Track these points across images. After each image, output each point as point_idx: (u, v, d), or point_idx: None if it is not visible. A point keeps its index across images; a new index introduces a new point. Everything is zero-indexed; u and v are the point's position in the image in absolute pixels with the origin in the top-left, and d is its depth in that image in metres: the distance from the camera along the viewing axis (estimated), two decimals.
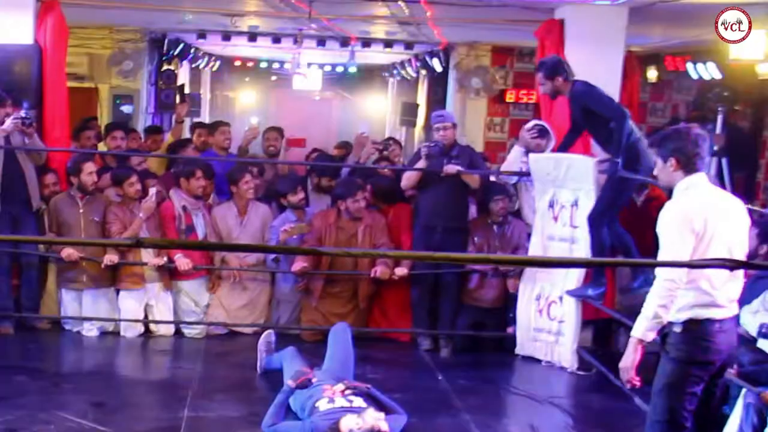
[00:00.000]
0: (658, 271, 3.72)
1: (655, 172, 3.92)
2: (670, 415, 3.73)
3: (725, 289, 3.70)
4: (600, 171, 5.82)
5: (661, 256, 3.69)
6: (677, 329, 3.70)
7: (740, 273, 3.81)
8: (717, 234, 3.65)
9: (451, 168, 6.37)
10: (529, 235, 6.51)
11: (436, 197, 6.46)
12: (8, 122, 6.07)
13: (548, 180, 6.21)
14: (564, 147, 6.24)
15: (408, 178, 6.62)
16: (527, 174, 6.45)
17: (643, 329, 3.67)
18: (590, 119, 5.85)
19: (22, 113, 6.08)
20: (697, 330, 3.68)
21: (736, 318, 3.89)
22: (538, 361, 6.38)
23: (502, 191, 6.57)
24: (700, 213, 3.64)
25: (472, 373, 6.10)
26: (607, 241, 5.87)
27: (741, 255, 3.73)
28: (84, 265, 6.44)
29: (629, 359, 3.71)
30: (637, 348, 3.69)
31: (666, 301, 3.61)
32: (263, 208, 6.87)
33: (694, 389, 3.73)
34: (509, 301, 6.55)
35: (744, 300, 4.95)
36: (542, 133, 6.52)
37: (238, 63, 15.12)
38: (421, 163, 6.47)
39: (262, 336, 5.87)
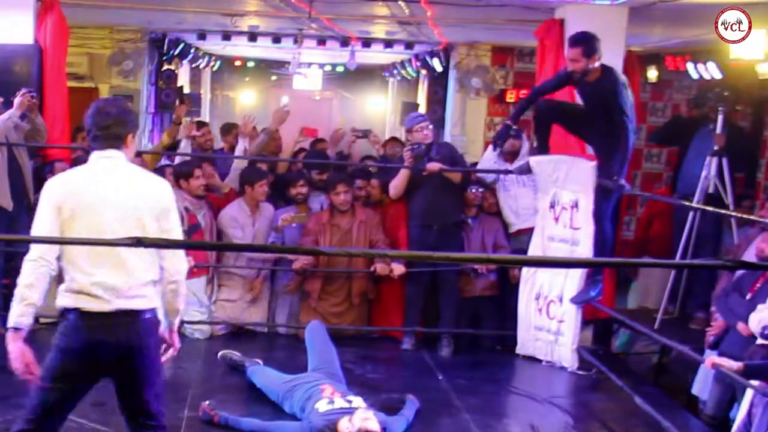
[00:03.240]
0: None
1: None
2: None
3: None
4: (604, 189, 5.84)
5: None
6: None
7: None
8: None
9: (433, 165, 6.40)
10: (506, 233, 6.66)
11: (429, 196, 6.48)
12: (18, 98, 6.06)
13: (550, 181, 6.22)
14: (519, 111, 6.22)
15: (395, 187, 6.65)
16: (504, 172, 6.59)
17: (14, 315, 3.41)
18: (598, 118, 5.78)
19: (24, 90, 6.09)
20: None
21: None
22: (539, 360, 6.38)
23: (479, 183, 6.71)
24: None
25: (472, 372, 6.09)
26: (609, 235, 5.90)
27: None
28: None
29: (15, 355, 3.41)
30: (9, 338, 3.40)
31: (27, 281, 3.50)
32: (269, 208, 6.88)
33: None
34: (506, 291, 6.58)
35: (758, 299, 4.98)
36: (516, 133, 6.55)
37: (238, 63, 15.13)
38: (407, 169, 6.50)
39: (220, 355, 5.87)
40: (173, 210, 3.56)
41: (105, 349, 3.43)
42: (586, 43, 5.68)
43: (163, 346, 3.67)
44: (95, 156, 3.52)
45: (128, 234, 3.18)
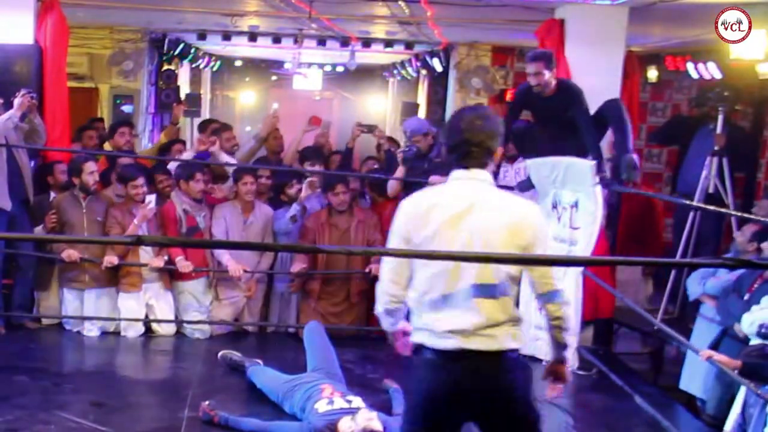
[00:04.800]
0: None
1: None
2: None
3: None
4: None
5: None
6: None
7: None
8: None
9: (435, 179, 6.43)
10: None
11: None
12: (18, 99, 6.06)
13: (548, 182, 6.21)
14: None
15: (392, 187, 6.75)
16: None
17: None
18: (554, 127, 5.96)
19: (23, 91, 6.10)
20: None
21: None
22: (539, 360, 6.36)
23: None
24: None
25: None
26: None
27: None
28: (85, 266, 6.45)
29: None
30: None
31: (381, 308, 3.19)
32: (266, 210, 6.86)
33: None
34: None
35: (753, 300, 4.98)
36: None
37: (238, 63, 15.12)
38: (401, 170, 6.54)
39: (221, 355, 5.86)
40: (539, 247, 3.11)
41: (469, 391, 3.09)
42: (547, 57, 6.05)
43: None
44: (459, 175, 3.11)
45: (500, 269, 3.00)
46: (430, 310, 3.08)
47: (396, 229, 3.15)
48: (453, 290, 3.05)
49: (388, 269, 3.17)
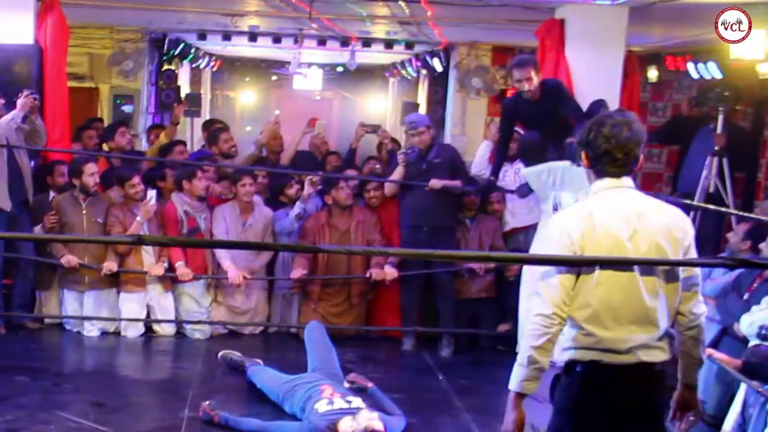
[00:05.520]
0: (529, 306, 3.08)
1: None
2: None
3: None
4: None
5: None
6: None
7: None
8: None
9: (435, 183, 6.41)
10: (502, 232, 6.78)
11: (420, 198, 6.50)
12: (21, 100, 6.06)
13: (547, 186, 6.22)
14: (499, 162, 6.49)
15: (390, 187, 6.71)
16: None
17: (517, 380, 2.95)
18: (554, 121, 5.94)
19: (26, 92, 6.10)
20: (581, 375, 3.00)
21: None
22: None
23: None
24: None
25: (472, 372, 6.10)
26: None
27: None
28: (84, 271, 6.45)
29: (509, 419, 2.97)
30: (516, 404, 2.96)
31: (541, 342, 2.93)
32: (266, 212, 6.86)
33: None
34: (504, 292, 6.57)
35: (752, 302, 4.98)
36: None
37: (238, 63, 15.11)
38: (399, 170, 6.52)
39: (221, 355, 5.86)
40: (693, 246, 3.02)
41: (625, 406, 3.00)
42: (534, 61, 6.08)
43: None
44: (611, 184, 3.00)
45: (655, 283, 2.90)
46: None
47: (563, 246, 2.95)
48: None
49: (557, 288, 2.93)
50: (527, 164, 6.51)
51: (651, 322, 2.96)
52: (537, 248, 6.31)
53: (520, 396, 2.95)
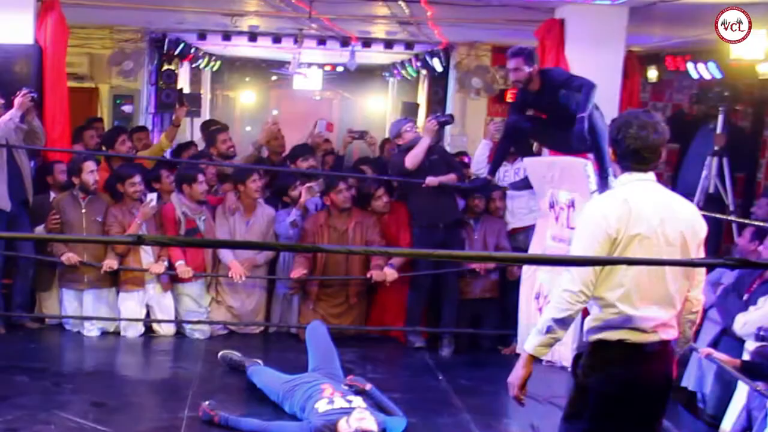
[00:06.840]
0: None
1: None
2: None
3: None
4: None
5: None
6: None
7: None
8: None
9: (432, 180, 6.43)
10: (508, 234, 6.75)
11: (431, 196, 6.49)
12: (18, 99, 6.06)
13: (545, 181, 6.22)
14: (498, 159, 6.47)
15: (416, 156, 6.45)
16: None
17: (533, 344, 3.26)
18: (556, 113, 5.89)
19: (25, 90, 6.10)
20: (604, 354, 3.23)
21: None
22: (539, 360, 6.36)
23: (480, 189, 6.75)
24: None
25: (472, 372, 6.10)
26: None
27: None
28: (85, 268, 6.45)
29: (517, 374, 3.30)
30: (526, 363, 3.28)
31: (563, 315, 3.17)
32: (269, 211, 6.86)
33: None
34: (507, 293, 6.57)
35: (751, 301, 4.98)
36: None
37: (238, 63, 15.12)
38: (427, 138, 6.47)
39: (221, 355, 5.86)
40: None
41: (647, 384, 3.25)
42: (526, 53, 5.93)
43: None
44: (635, 177, 3.25)
45: (677, 269, 3.17)
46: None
47: (600, 228, 3.17)
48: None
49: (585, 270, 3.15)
50: (516, 149, 6.53)
51: (671, 303, 3.23)
52: (535, 246, 6.32)
53: (532, 358, 3.28)
